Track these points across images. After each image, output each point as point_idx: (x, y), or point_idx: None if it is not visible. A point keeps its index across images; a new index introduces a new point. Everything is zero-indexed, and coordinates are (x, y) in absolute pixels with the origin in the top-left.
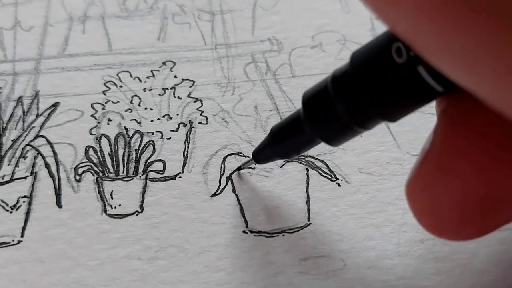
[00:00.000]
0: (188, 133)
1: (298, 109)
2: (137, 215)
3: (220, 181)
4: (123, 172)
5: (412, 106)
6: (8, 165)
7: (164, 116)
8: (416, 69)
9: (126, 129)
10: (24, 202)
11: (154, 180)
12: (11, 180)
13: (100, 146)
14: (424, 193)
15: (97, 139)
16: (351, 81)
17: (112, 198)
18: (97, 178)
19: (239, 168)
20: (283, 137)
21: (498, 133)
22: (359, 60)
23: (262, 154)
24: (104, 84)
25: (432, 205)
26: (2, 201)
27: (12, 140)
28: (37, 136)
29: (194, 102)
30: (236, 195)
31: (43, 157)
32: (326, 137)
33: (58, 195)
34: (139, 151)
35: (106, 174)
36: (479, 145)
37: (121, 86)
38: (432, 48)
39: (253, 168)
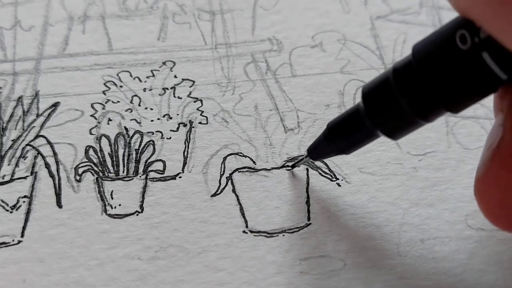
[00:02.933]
0: (188, 133)
1: (356, 103)
2: (137, 215)
3: (220, 181)
4: (123, 172)
5: (476, 95)
6: (8, 165)
7: (164, 116)
8: (480, 55)
9: (126, 129)
10: (24, 202)
11: (154, 180)
12: (11, 180)
13: (100, 146)
14: (494, 189)
15: (97, 139)
16: (414, 72)
17: (112, 198)
18: (97, 178)
19: (293, 166)
20: (341, 132)
21: None
22: (422, 50)
23: (319, 150)
24: (104, 84)
25: (502, 202)
26: (2, 201)
27: (12, 140)
28: (37, 136)
29: (194, 102)
30: (236, 195)
31: (43, 157)
32: (388, 131)
33: (58, 195)
34: (139, 151)
35: (106, 174)
36: None
37: (121, 86)
38: (507, 27)
39: (254, 170)
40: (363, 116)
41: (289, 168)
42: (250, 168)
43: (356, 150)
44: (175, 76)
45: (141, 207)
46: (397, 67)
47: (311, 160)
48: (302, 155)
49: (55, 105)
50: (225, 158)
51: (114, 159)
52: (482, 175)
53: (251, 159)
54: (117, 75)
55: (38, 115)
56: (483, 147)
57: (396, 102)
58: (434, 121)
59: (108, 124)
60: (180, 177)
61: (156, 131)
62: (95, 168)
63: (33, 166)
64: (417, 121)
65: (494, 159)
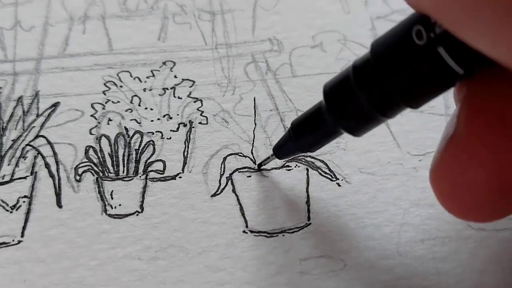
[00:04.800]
0: (188, 133)
1: (318, 101)
2: (137, 215)
3: (220, 181)
4: (123, 172)
5: (434, 90)
6: (8, 165)
7: (164, 116)
8: (436, 50)
9: (126, 129)
10: (24, 202)
11: (154, 180)
12: (11, 180)
13: (100, 146)
14: (448, 177)
15: (97, 139)
16: (373, 69)
17: (112, 198)
18: (97, 178)
19: (260, 165)
20: (304, 130)
21: None
22: (380, 47)
23: (284, 149)
24: (104, 84)
25: (456, 189)
26: (2, 201)
27: (12, 140)
28: (37, 136)
29: (194, 102)
30: (236, 195)
31: (43, 157)
32: (350, 128)
33: (58, 195)
34: (139, 151)
35: (106, 174)
36: (499, 131)
37: (121, 86)
38: (460, 18)
39: (254, 169)
40: (324, 114)
41: (259, 168)
42: (250, 168)
43: (320, 147)
44: (175, 76)
45: (141, 207)
46: (356, 64)
47: (277, 158)
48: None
49: (55, 105)
50: (225, 158)
51: (114, 159)
52: (436, 164)
53: (251, 159)
54: (117, 75)
55: (38, 115)
56: (440, 137)
57: (356, 99)
58: (394, 117)
59: (108, 124)
60: (180, 177)
61: (156, 131)
62: (95, 168)
63: (33, 166)
64: (377, 117)
65: (447, 149)
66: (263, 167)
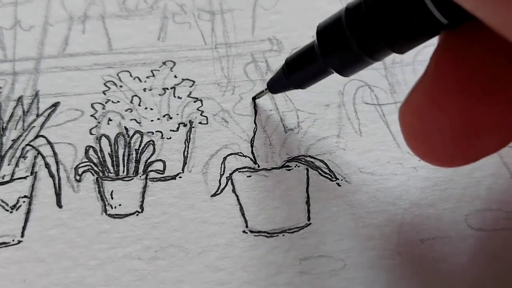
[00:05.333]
0: (188, 133)
1: (312, 40)
2: (137, 215)
3: (220, 181)
4: (123, 172)
5: (418, 39)
6: (8, 165)
7: (164, 116)
8: (423, 0)
9: (126, 129)
10: (24, 202)
11: (154, 180)
12: (11, 180)
13: (100, 146)
14: (414, 117)
15: (97, 139)
16: (363, 13)
17: (112, 198)
18: (97, 178)
19: (254, 98)
20: (297, 67)
21: (483, 74)
22: None
23: (277, 84)
24: (104, 84)
25: (420, 129)
26: (2, 201)
27: (12, 140)
28: (37, 136)
29: (194, 102)
30: (236, 195)
31: (43, 157)
32: (338, 68)
33: (58, 195)
34: (139, 151)
35: (106, 174)
36: (465, 83)
37: (121, 86)
38: None
39: (254, 170)
40: (316, 52)
41: (254, 101)
42: (250, 168)
43: (311, 84)
44: (175, 76)
45: (141, 207)
46: (349, 7)
47: (271, 93)
48: (301, 155)
49: (55, 105)
50: (225, 158)
51: (114, 159)
52: (405, 104)
53: (251, 159)
54: (117, 75)
55: (38, 115)
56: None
57: (346, 40)
58: (381, 60)
59: (108, 124)
60: (180, 177)
61: (156, 131)
62: (95, 168)
63: (33, 166)
64: (364, 58)
65: (417, 89)
66: (263, 167)
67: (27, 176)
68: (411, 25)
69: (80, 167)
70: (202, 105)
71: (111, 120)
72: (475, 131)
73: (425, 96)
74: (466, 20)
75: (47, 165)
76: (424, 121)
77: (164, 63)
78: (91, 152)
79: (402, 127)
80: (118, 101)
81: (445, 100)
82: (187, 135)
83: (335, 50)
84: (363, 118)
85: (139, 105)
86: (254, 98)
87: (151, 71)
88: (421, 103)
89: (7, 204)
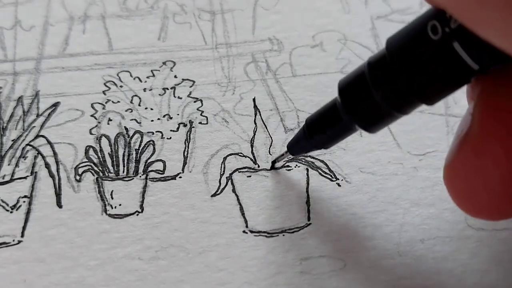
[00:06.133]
0: (188, 133)
1: (333, 98)
2: (137, 215)
3: (220, 181)
4: (123, 172)
5: (449, 87)
6: (8, 165)
7: (164, 116)
8: (451, 45)
9: (126, 129)
10: (24, 202)
11: (154, 180)
12: (11, 180)
13: (100, 146)
14: (462, 176)
15: (97, 139)
16: (388, 65)
17: (112, 198)
18: (97, 178)
19: (274, 162)
20: (319, 128)
21: None
22: (395, 43)
23: (298, 146)
24: (104, 84)
25: (470, 187)
26: (2, 201)
27: (12, 140)
28: (37, 136)
29: (194, 102)
30: (236, 195)
31: (43, 157)
32: (365, 125)
33: (58, 195)
34: (139, 151)
35: (106, 174)
36: None
37: (121, 86)
38: (473, 9)
39: (254, 170)
40: (340, 111)
41: (273, 166)
42: (250, 168)
43: (335, 144)
44: (175, 76)
45: (141, 207)
46: (372, 60)
47: (291, 155)
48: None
49: (55, 105)
50: (225, 158)
51: (114, 159)
52: (451, 163)
53: (251, 159)
54: (117, 75)
55: (38, 115)
56: (454, 135)
57: (371, 96)
58: (410, 113)
59: (108, 124)
60: (180, 177)
61: (156, 131)
62: (95, 168)
63: (33, 166)
64: (393, 113)
65: (462, 147)
66: (263, 167)
67: (27, 176)
68: (441, 74)
69: (80, 167)
70: (202, 105)
71: (111, 120)
72: None
73: (474, 154)
74: (496, 64)
75: (47, 165)
76: (474, 179)
77: (164, 63)
78: (91, 152)
79: (450, 188)
80: (118, 101)
81: (497, 154)
82: (187, 135)
83: (361, 107)
84: None
85: (139, 105)
86: (273, 162)
87: (151, 71)
88: (470, 162)
89: (7, 204)
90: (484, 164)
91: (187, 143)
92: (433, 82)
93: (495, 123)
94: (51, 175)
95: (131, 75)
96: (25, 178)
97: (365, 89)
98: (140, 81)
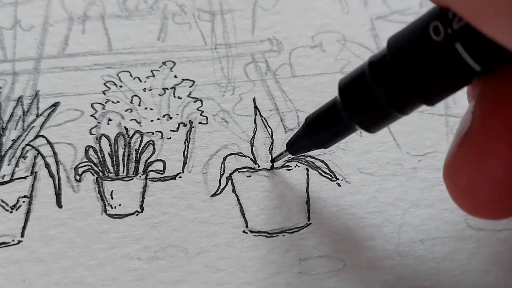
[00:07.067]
0: (188, 133)
1: (333, 97)
2: (137, 215)
3: (220, 181)
4: (123, 172)
5: (451, 87)
6: (8, 165)
7: (164, 116)
8: (454, 46)
9: (126, 129)
10: (24, 202)
11: (154, 180)
12: (11, 180)
13: (100, 146)
14: (463, 174)
15: (97, 139)
16: (389, 65)
17: (112, 198)
18: (97, 178)
19: (273, 161)
20: (319, 127)
21: None
22: (396, 43)
23: (298, 145)
24: (104, 84)
25: (470, 186)
26: (2, 201)
27: (12, 140)
28: (37, 136)
29: (194, 102)
30: (236, 195)
31: (43, 157)
32: (365, 125)
33: (58, 195)
34: (139, 151)
35: (106, 174)
36: None
37: (121, 86)
38: (480, 7)
39: (254, 170)
40: (340, 110)
41: (272, 166)
42: (250, 168)
43: (334, 143)
44: (175, 76)
45: (141, 207)
46: (373, 60)
47: (290, 155)
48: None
49: (55, 105)
50: (225, 158)
51: (114, 159)
52: (452, 160)
53: (251, 159)
54: (117, 75)
55: (38, 115)
56: (454, 134)
57: (372, 95)
58: (410, 113)
59: (108, 124)
60: (180, 177)
61: (156, 131)
62: (95, 168)
63: (33, 166)
64: (393, 113)
65: (463, 145)
66: (263, 167)
67: (27, 176)
68: (442, 75)
69: (80, 167)
70: (202, 105)
71: (111, 120)
72: None
73: (474, 150)
74: (497, 64)
75: (47, 165)
76: (475, 177)
77: (164, 63)
78: (91, 152)
79: (449, 187)
80: (118, 101)
81: (498, 151)
82: (187, 135)
83: (361, 107)
84: None
85: (139, 105)
86: (273, 161)
87: (151, 71)
88: (471, 159)
89: (7, 204)
90: (486, 161)
91: (187, 143)
92: (434, 83)
93: (497, 120)
94: (51, 175)
95: (131, 75)
96: (25, 178)
97: (366, 88)
98: (140, 81)
